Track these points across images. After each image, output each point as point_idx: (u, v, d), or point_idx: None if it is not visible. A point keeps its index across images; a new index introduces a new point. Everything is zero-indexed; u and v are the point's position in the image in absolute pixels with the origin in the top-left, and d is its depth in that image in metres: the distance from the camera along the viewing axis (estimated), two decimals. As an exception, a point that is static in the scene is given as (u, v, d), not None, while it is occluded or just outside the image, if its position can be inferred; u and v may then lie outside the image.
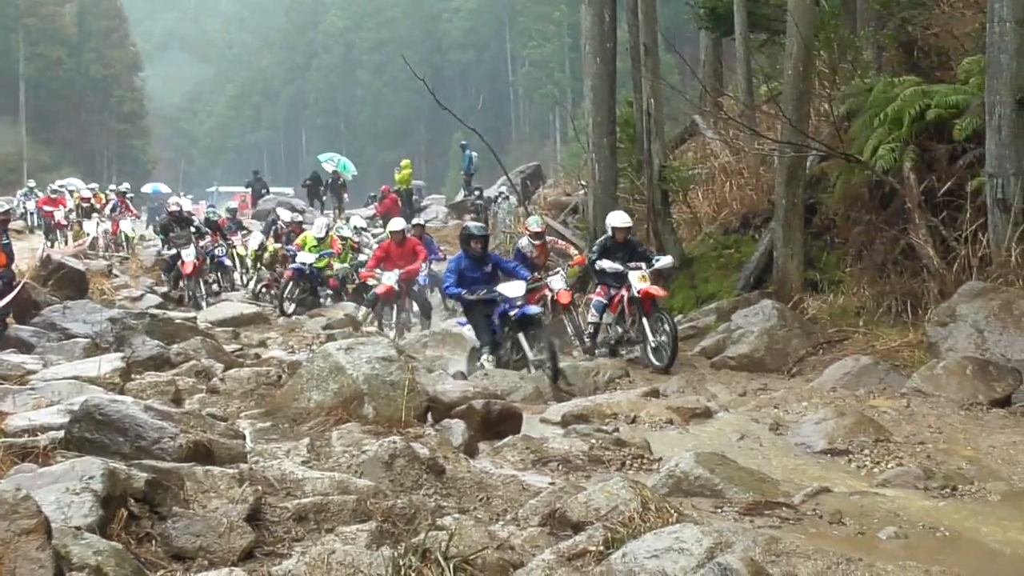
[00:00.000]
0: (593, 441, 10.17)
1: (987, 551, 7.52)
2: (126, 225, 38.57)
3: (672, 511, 6.69)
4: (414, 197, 45.18)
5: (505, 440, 9.83)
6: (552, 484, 7.80)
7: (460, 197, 48.31)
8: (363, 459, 7.79)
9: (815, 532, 7.46)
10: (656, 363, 17.09)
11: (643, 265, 18.00)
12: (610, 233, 18.69)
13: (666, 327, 17.15)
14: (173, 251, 27.99)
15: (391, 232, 23.67)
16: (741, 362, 16.52)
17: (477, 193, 41.99)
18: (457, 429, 9.79)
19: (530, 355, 16.55)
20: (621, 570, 5.56)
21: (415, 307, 24.75)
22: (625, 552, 5.69)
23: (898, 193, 17.44)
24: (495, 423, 10.46)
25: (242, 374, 12.82)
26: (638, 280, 17.62)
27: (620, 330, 18.32)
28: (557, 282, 20.50)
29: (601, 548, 5.95)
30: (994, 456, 10.32)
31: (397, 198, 40.52)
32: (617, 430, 11.23)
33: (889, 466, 10.05)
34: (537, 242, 21.64)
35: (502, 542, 6.14)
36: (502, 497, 7.57)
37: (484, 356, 17.16)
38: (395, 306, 23.59)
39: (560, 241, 23.74)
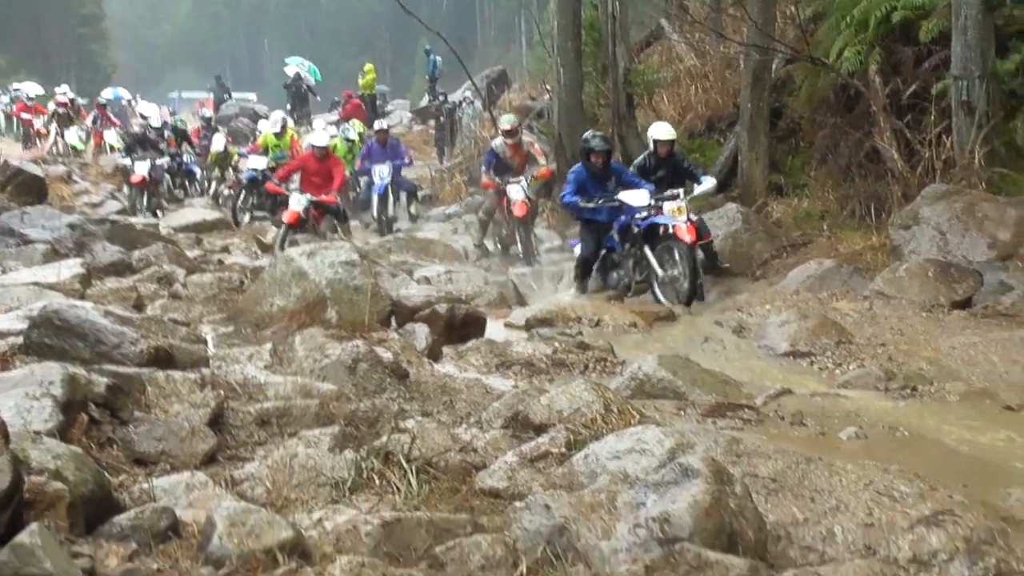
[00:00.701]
0: (556, 344, 10.18)
1: (946, 450, 7.59)
2: (110, 136, 37.76)
3: (635, 413, 6.71)
4: (378, 102, 44.79)
5: (469, 344, 9.84)
6: (515, 387, 7.82)
7: (424, 102, 47.92)
8: (326, 363, 7.77)
9: (776, 433, 7.51)
10: (664, 300, 14.41)
11: (680, 193, 15.05)
12: (651, 147, 16.14)
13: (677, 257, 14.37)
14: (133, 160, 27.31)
15: (313, 146, 21.36)
16: (705, 266, 16.53)
17: (442, 98, 41.59)
18: (421, 333, 9.78)
19: (659, 272, 14.27)
20: (583, 471, 5.58)
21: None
22: (587, 453, 5.71)
23: (863, 96, 17.39)
24: (459, 327, 10.46)
25: (204, 280, 12.76)
26: (673, 213, 14.53)
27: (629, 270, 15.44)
28: (516, 191, 18.97)
29: (563, 450, 5.98)
30: (954, 357, 10.39)
31: (360, 103, 40.13)
32: (580, 333, 11.26)
33: (851, 368, 10.12)
34: (511, 141, 20.00)
35: (465, 444, 6.15)
36: (465, 400, 7.58)
37: (587, 280, 15.29)
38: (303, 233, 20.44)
39: (536, 145, 21.59)
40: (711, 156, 21.00)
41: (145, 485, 5.16)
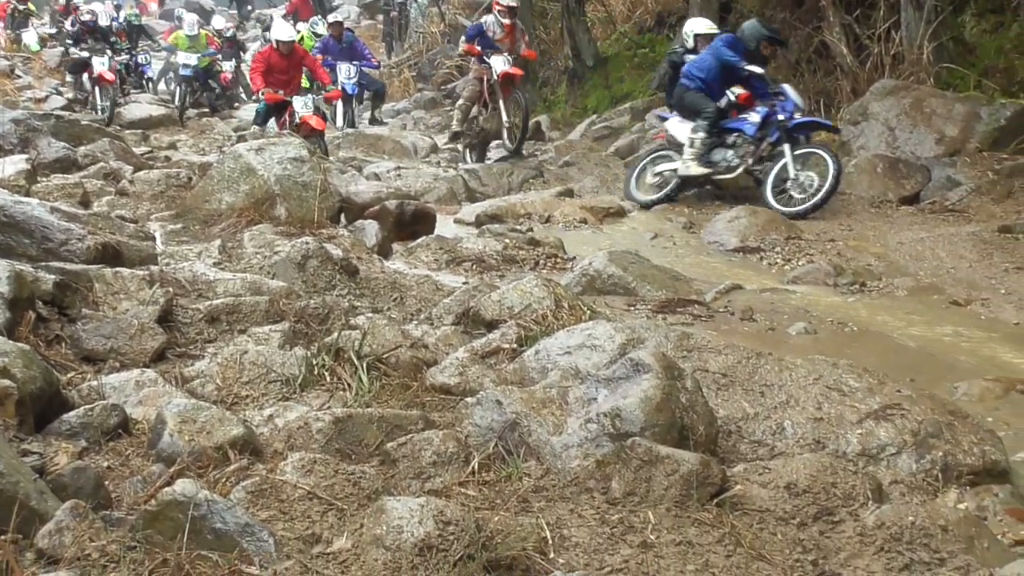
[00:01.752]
0: (507, 241, 10.17)
1: (893, 344, 7.67)
2: (29, 37, 36.55)
3: (585, 309, 6.72)
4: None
5: (419, 240, 9.80)
6: (466, 283, 7.80)
7: (373, -4, 47.25)
8: (275, 260, 7.73)
9: (726, 328, 7.55)
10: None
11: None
12: (690, 43, 14.92)
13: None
14: (85, 53, 26.20)
15: (277, 40, 18.46)
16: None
17: (390, -7, 41.02)
18: (371, 230, 9.73)
19: (792, 173, 12.67)
20: (534, 367, 5.60)
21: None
22: (538, 349, 5.72)
23: (813, -10, 17.32)
24: (409, 224, 10.42)
25: (152, 176, 12.60)
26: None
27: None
28: (500, 62, 17.02)
29: (514, 346, 5.99)
30: (902, 253, 10.47)
31: (307, -3, 39.40)
32: (531, 230, 11.25)
33: (800, 263, 10.18)
34: (507, 21, 17.46)
35: (415, 341, 6.15)
36: (416, 297, 7.56)
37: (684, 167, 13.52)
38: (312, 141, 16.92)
39: (524, 34, 18.72)
40: (661, 52, 20.87)
41: (94, 383, 5.13)
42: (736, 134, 13.14)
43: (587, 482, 4.31)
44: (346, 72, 22.71)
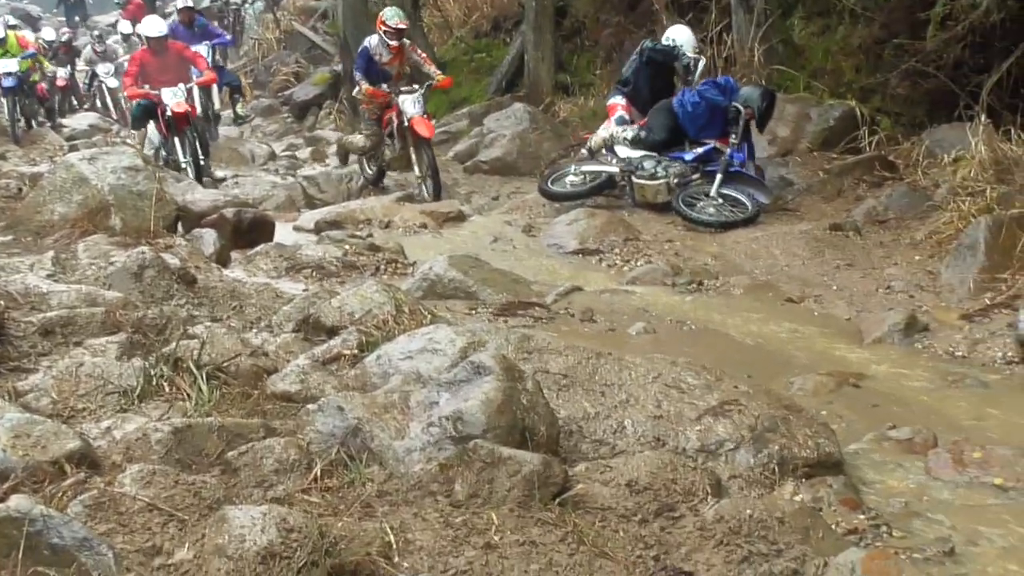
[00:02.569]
0: (347, 247, 10.13)
1: (731, 342, 7.83)
2: None
3: (426, 313, 6.73)
4: (157, 3, 43.40)
5: (258, 248, 9.71)
6: (306, 290, 7.77)
7: (207, 2, 46.64)
8: (111, 271, 7.58)
9: (567, 329, 7.62)
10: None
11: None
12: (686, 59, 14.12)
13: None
14: None
15: (147, 38, 16.78)
16: (494, 166, 16.52)
17: (224, -1, 40.47)
18: (208, 238, 9.61)
19: (717, 199, 12.25)
20: (376, 372, 5.58)
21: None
22: (379, 355, 5.71)
23: (647, -6, 17.56)
24: (247, 231, 10.32)
25: (-22, 188, 12.28)
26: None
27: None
28: (411, 105, 14.76)
29: (356, 352, 5.97)
30: (738, 252, 10.67)
31: (142, 1, 38.70)
32: (371, 235, 11.22)
33: (639, 264, 10.31)
34: (394, 43, 15.15)
35: (255, 349, 6.10)
36: (255, 305, 7.49)
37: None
38: (185, 133, 15.83)
39: (420, 50, 16.34)
40: (497, 56, 20.99)
41: (-79, 399, 4.98)
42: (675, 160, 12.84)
43: (430, 485, 4.31)
44: (205, 54, 19.15)
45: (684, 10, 16.74)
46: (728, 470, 4.92)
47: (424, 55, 16.04)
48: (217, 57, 21.21)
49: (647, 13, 17.63)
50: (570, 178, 13.15)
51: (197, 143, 15.70)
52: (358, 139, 15.97)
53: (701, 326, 8.13)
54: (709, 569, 4.01)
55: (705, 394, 5.47)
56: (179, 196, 11.20)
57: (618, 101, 13.74)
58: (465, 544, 3.95)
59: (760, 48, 14.81)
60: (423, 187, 14.82)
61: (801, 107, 13.85)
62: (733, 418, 5.25)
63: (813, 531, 4.26)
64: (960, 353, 7.58)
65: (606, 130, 13.42)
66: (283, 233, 11.29)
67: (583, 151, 14.11)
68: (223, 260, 9.27)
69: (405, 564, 3.81)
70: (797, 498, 4.76)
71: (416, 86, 14.97)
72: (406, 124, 14.65)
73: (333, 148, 18.75)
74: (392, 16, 15.27)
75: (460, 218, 12.44)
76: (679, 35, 14.09)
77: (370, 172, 15.88)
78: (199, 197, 11.49)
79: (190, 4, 21.63)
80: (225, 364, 5.63)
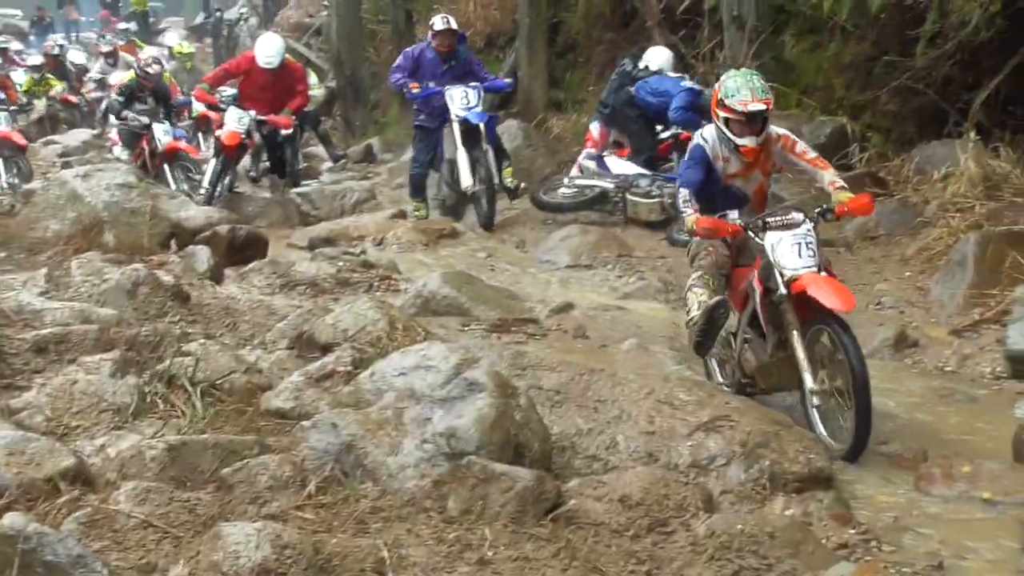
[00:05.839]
0: (340, 264, 10.12)
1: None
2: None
3: (420, 330, 6.76)
4: (150, 19, 43.44)
5: (251, 265, 9.71)
6: (299, 307, 7.77)
7: (199, 20, 46.67)
8: (105, 288, 7.60)
9: (560, 346, 7.63)
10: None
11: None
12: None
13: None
14: None
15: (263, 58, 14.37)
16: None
17: (218, 15, 40.50)
18: (202, 255, 9.60)
19: None
20: (369, 388, 5.61)
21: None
22: (373, 371, 5.74)
23: (639, 11, 17.57)
24: (241, 248, 10.31)
25: (-30, 206, 12.29)
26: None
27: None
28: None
29: (349, 368, 5.99)
30: (731, 268, 10.68)
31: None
32: (364, 252, 11.21)
33: (631, 280, 10.33)
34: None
35: (250, 366, 6.12)
36: (249, 322, 7.51)
37: None
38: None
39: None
40: (491, 72, 21.03)
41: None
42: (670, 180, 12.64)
43: (424, 502, 4.35)
44: (461, 97, 13.06)
45: (677, 27, 16.77)
46: (719, 485, 4.96)
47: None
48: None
49: (640, 30, 17.66)
50: (563, 190, 13.15)
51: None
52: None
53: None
54: (701, 584, 4.04)
55: (697, 410, 5.50)
56: (173, 213, 11.21)
57: (593, 130, 13.69)
58: (459, 560, 3.99)
59: (752, 64, 14.84)
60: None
61: (793, 123, 13.86)
62: (724, 434, 5.29)
63: (804, 545, 4.30)
64: (949, 368, 7.63)
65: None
66: (277, 250, 11.28)
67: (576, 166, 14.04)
68: (217, 277, 9.26)
69: (399, 580, 3.84)
70: (788, 513, 4.80)
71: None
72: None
73: (328, 164, 18.71)
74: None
75: (454, 235, 12.44)
76: (655, 57, 13.96)
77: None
78: (193, 214, 11.50)
79: (451, 26, 13.97)
80: (219, 381, 5.66)
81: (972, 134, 11.12)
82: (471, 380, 4.89)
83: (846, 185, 6.90)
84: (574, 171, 13.40)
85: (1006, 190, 10.41)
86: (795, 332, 6.21)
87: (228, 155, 14.06)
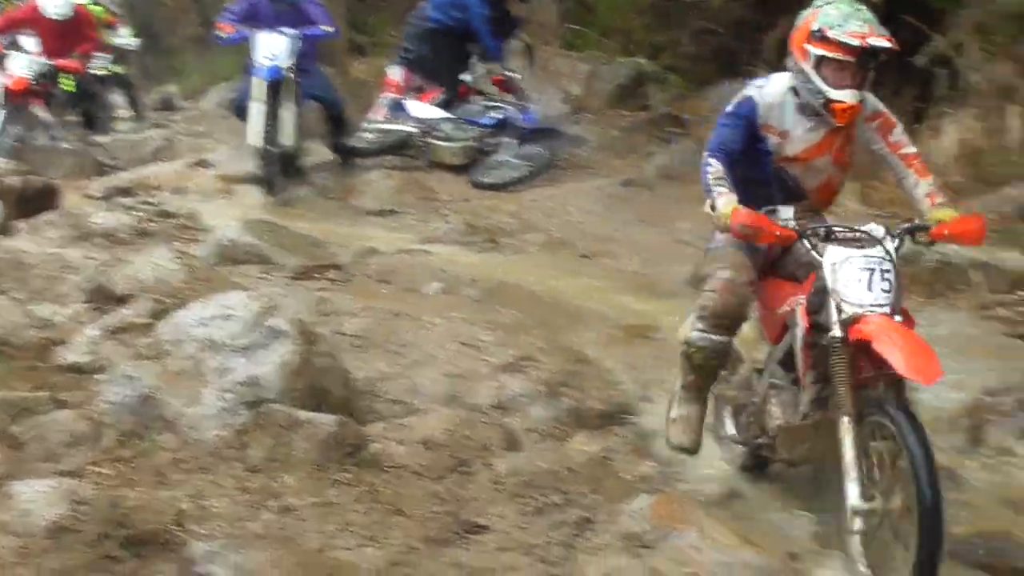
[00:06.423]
0: (139, 214, 9.89)
1: (527, 299, 7.88)
2: None
3: (221, 280, 6.65)
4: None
5: (44, 217, 9.43)
6: (95, 259, 7.58)
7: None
8: None
9: (364, 291, 7.58)
10: None
11: None
12: None
13: None
14: None
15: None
16: (291, 127, 16.27)
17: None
18: (-10, 208, 9.29)
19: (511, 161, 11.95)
20: (168, 340, 5.49)
21: None
22: (172, 322, 5.62)
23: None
24: (33, 199, 9.98)
25: None
26: None
27: None
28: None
29: (148, 320, 5.86)
30: (534, 210, 10.74)
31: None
32: (163, 202, 10.97)
33: (435, 224, 10.32)
34: None
35: (43, 321, 5.95)
36: (42, 275, 7.25)
37: None
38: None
39: None
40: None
41: None
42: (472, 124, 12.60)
43: (226, 451, 4.31)
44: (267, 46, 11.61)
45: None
46: (523, 424, 5.01)
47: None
48: None
49: (441, -29, 17.56)
50: (366, 135, 13.01)
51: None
52: None
53: (498, 284, 8.17)
54: (503, 521, 4.08)
55: (501, 351, 5.56)
56: (-44, 166, 10.80)
57: (393, 74, 13.45)
58: (262, 508, 3.97)
59: (554, 6, 14.90)
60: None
61: (593, 65, 14.00)
62: (528, 373, 5.35)
63: (604, 480, 4.39)
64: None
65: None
66: (72, 201, 10.96)
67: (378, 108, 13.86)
68: (7, 229, 8.97)
69: (202, 531, 3.80)
70: (589, 449, 4.87)
71: None
72: None
73: (122, 112, 18.13)
74: None
75: (254, 182, 12.27)
76: None
77: None
78: (-23, 167, 11.10)
79: None
80: (9, 337, 5.49)
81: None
82: (273, 328, 4.86)
83: (947, 202, 4.97)
84: (373, 115, 13.25)
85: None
86: (846, 413, 4.33)
87: (14, 102, 13.45)
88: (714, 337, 4.72)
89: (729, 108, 4.96)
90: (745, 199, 4.66)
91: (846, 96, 4.70)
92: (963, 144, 9.98)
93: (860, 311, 4.31)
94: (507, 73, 12.55)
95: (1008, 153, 9.94)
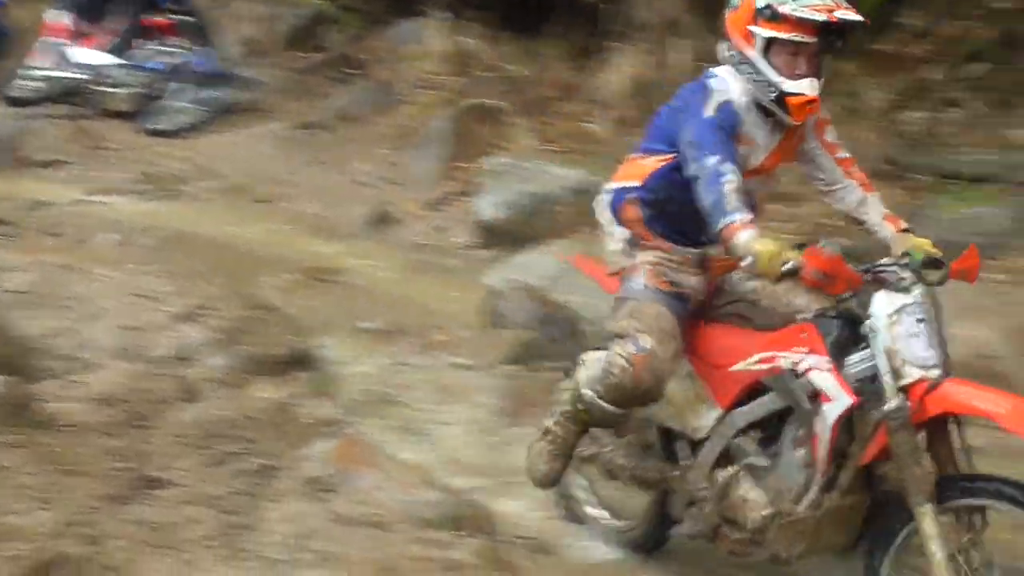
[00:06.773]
0: None
1: (205, 246, 7.79)
2: None
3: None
4: None
5: None
6: None
7: None
8: None
9: (31, 245, 7.31)
10: None
11: None
12: None
13: None
14: None
15: None
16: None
17: None
18: None
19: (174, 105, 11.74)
20: None
21: None
22: None
23: None
24: None
25: None
26: None
27: None
28: None
29: None
30: (209, 156, 10.53)
31: None
32: None
33: (106, 174, 10.01)
34: None
35: None
36: None
37: None
38: None
39: None
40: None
41: None
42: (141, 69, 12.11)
43: None
44: None
45: None
46: (202, 374, 4.95)
47: None
48: None
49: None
50: (26, 83, 12.43)
51: None
52: None
53: (174, 232, 8.03)
54: (185, 474, 4.04)
55: (178, 301, 5.48)
56: None
57: (52, 18, 12.78)
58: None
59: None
60: None
61: (271, 7, 13.80)
62: (207, 322, 5.28)
63: (285, 426, 4.39)
64: (425, 241, 7.92)
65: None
66: None
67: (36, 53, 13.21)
68: None
69: None
70: (269, 396, 4.85)
71: None
72: None
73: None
74: None
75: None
76: None
77: None
78: None
79: None
80: None
81: (441, 13, 11.43)
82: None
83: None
84: (30, 60, 12.67)
85: (475, 67, 10.80)
86: (928, 500, 3.43)
87: None
88: (611, 409, 3.89)
89: (706, 115, 3.77)
90: (692, 228, 3.80)
91: (805, 87, 3.76)
92: (634, 78, 10.26)
93: (927, 374, 3.46)
94: (182, 17, 12.25)
95: (676, 86, 10.29)
